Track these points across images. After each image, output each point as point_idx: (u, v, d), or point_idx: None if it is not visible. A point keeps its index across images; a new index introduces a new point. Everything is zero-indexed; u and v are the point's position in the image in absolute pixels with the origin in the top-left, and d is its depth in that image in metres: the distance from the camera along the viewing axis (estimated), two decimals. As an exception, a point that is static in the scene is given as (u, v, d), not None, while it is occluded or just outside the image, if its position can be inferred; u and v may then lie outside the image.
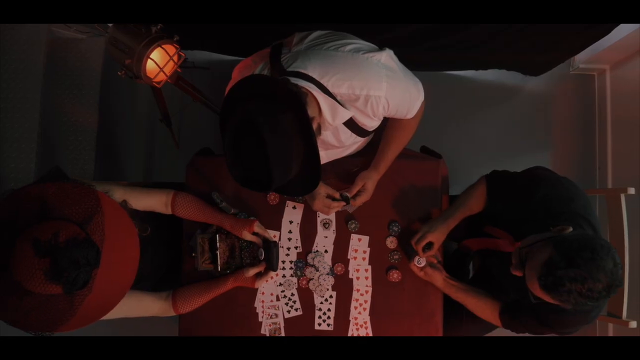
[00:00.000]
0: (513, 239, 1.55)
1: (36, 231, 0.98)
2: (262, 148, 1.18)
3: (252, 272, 1.68)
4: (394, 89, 1.40)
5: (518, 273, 1.35)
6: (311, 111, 1.30)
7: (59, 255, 0.96)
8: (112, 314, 1.45)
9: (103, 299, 1.10)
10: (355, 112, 1.43)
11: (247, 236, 1.69)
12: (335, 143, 1.59)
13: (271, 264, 1.69)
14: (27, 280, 0.96)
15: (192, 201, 1.71)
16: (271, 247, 1.69)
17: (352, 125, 1.50)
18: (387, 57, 1.40)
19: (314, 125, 1.29)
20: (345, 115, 1.41)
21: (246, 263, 1.77)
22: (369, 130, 1.57)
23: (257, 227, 1.70)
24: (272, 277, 1.76)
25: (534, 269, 1.26)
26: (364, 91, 1.36)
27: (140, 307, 1.60)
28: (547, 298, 1.27)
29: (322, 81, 1.34)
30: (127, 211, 1.22)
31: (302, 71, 1.34)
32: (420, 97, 1.53)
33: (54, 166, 1.18)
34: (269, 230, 1.78)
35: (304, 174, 1.30)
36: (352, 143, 1.65)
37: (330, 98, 1.36)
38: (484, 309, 1.68)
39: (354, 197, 1.68)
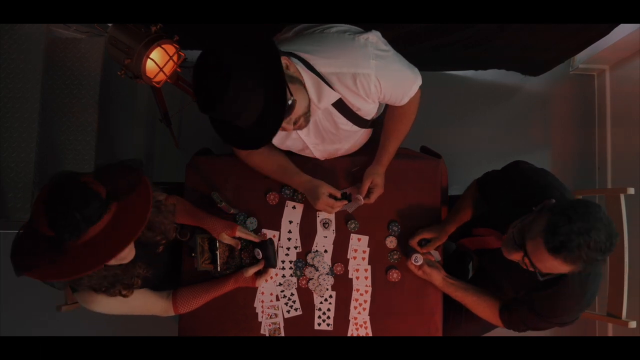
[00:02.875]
0: (500, 234, 1.55)
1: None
2: (222, 65, 1.20)
3: (252, 271, 1.69)
4: (385, 68, 1.39)
5: (516, 256, 1.33)
6: (301, 105, 1.33)
7: (67, 190, 1.17)
8: (117, 310, 1.46)
9: (85, 256, 1.19)
10: (346, 92, 1.42)
11: (225, 239, 1.68)
12: (332, 129, 1.58)
13: (269, 261, 1.70)
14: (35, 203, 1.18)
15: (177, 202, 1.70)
16: (267, 245, 1.69)
17: (344, 109, 1.49)
18: (374, 36, 1.40)
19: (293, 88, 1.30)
20: (331, 96, 1.40)
21: (246, 263, 1.77)
22: (365, 117, 1.56)
23: (240, 232, 1.69)
24: (272, 277, 1.76)
25: (537, 237, 1.24)
26: (352, 69, 1.36)
27: (143, 305, 1.61)
28: (558, 263, 1.23)
29: (309, 61, 1.35)
30: (172, 214, 1.48)
31: (289, 50, 1.36)
32: (417, 81, 1.51)
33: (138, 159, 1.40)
34: (268, 230, 1.78)
35: (268, 111, 1.27)
36: (350, 132, 1.63)
37: (315, 76, 1.36)
38: (483, 307, 1.69)
39: (368, 195, 1.69)
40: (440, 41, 2.07)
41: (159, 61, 1.84)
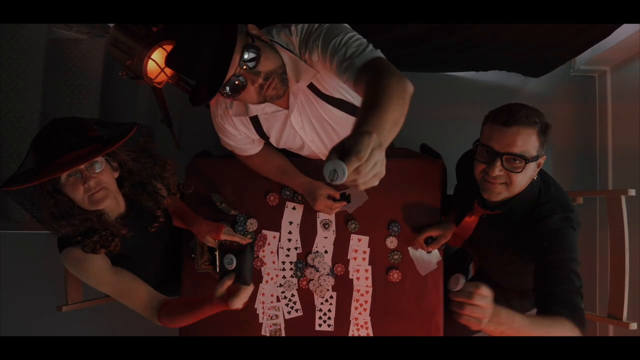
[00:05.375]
0: (470, 211, 1.64)
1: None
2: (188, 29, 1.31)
3: (221, 290, 1.32)
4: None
5: (497, 170, 1.39)
6: (272, 62, 1.33)
7: (60, 123, 1.34)
8: (99, 279, 1.49)
9: None
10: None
11: (209, 242, 1.66)
12: (324, 116, 1.55)
13: (241, 275, 1.29)
14: None
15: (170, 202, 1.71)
16: (246, 253, 1.30)
17: (317, 91, 1.47)
18: None
19: (264, 66, 1.30)
20: (309, 72, 1.39)
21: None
22: (345, 99, 1.52)
23: (225, 235, 1.65)
24: (247, 296, 1.36)
25: (492, 129, 1.40)
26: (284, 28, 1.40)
27: (128, 288, 1.52)
28: (523, 133, 1.35)
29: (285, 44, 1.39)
30: (171, 167, 1.58)
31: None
32: (348, 30, 1.36)
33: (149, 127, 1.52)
34: (268, 232, 1.78)
35: (221, 57, 1.26)
36: (341, 119, 1.58)
37: (292, 54, 1.37)
38: (560, 329, 1.35)
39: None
40: (441, 42, 2.07)
41: (160, 62, 1.84)
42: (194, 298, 1.51)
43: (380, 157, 0.88)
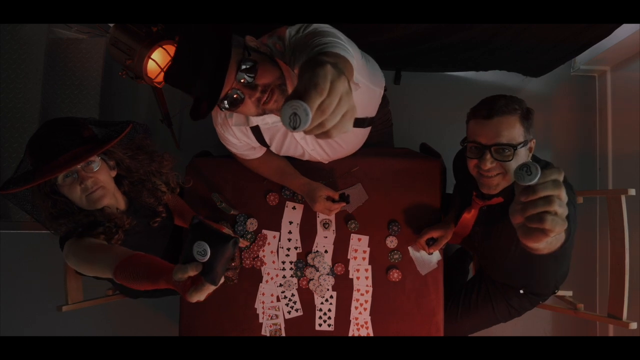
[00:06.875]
0: (468, 208, 1.64)
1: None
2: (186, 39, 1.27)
3: (180, 277, 1.00)
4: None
5: (489, 163, 1.40)
6: (270, 74, 1.28)
7: (56, 124, 1.34)
8: (89, 254, 1.32)
9: None
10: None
11: None
12: None
13: (210, 272, 0.98)
14: None
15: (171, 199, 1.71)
16: (224, 247, 0.97)
17: None
18: None
19: (263, 79, 1.26)
20: None
21: (246, 264, 1.75)
22: None
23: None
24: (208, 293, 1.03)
25: (476, 124, 1.45)
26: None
27: (108, 248, 1.32)
28: (505, 122, 1.38)
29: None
30: (169, 163, 1.56)
31: None
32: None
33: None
34: (268, 231, 1.78)
35: (217, 72, 1.21)
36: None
37: (287, 66, 1.35)
38: None
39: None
40: (441, 42, 2.07)
41: (160, 61, 1.84)
42: (156, 266, 1.20)
43: (344, 90, 0.73)
